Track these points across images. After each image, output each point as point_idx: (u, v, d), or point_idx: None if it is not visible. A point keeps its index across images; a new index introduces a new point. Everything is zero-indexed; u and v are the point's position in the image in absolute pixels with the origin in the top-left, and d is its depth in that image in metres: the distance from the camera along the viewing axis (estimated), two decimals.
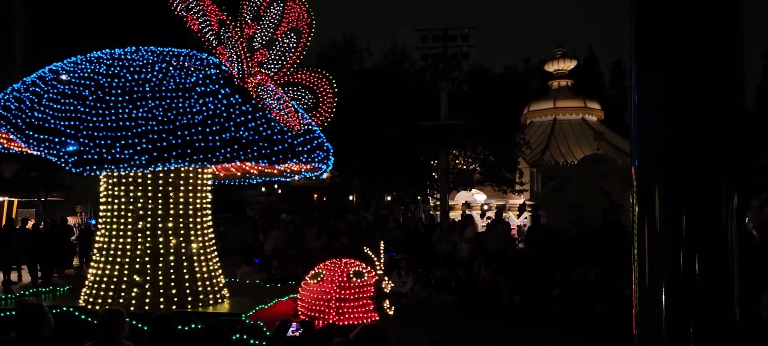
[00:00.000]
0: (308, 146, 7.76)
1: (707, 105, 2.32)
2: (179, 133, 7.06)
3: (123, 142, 7.01)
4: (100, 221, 8.59)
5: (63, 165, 7.18)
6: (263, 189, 36.08)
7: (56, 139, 7.14)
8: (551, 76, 34.36)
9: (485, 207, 29.70)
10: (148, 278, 8.05)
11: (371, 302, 8.10)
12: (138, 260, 8.09)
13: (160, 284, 8.06)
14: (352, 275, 8.16)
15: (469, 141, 26.20)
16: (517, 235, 21.45)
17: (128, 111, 7.22)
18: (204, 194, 8.60)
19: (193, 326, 6.87)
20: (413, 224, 18.74)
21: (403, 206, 31.28)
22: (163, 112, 7.21)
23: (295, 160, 7.57)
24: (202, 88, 7.57)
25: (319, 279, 8.29)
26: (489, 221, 18.64)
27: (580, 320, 11.26)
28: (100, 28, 22.64)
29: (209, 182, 8.74)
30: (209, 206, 8.73)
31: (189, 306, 8.10)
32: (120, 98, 7.35)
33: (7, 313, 7.50)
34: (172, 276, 8.12)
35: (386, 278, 8.34)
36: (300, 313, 8.33)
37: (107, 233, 8.35)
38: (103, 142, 7.04)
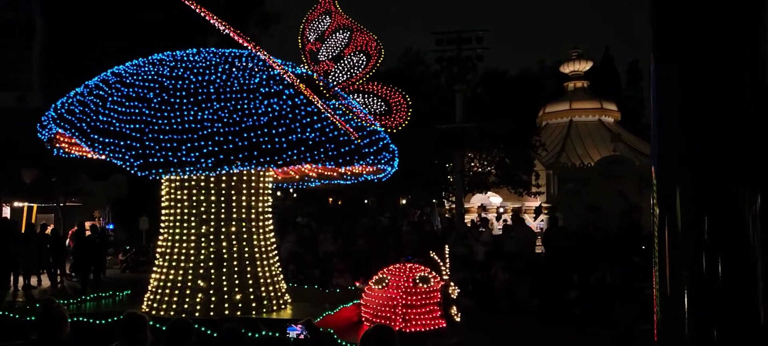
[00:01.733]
0: (374, 148, 7.61)
1: (729, 104, 2.27)
2: (245, 135, 6.92)
3: (188, 144, 6.88)
4: (162, 225, 8.46)
5: (128, 169, 7.07)
6: (279, 193, 36.13)
7: (121, 143, 7.02)
8: (567, 77, 34.18)
9: (501, 210, 29.60)
10: (212, 283, 7.90)
11: (438, 308, 7.87)
12: (202, 265, 7.94)
13: (225, 289, 7.92)
14: (418, 281, 7.93)
15: (484, 144, 26.09)
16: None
17: (193, 113, 7.10)
18: (265, 198, 8.45)
19: (260, 333, 6.76)
20: (429, 227, 18.68)
21: (419, 210, 31.22)
22: (229, 114, 7.09)
23: (361, 162, 7.43)
24: (266, 89, 7.44)
25: (383, 285, 8.04)
26: (505, 223, 18.58)
27: (598, 323, 11.14)
28: (115, 36, 22.85)
29: (270, 185, 8.61)
30: (270, 209, 8.60)
31: (253, 312, 7.95)
32: (185, 100, 7.24)
33: (80, 318, 7.52)
34: (236, 281, 7.97)
35: (452, 284, 8.07)
36: (364, 319, 8.15)
37: (170, 238, 8.22)
38: (168, 145, 6.91)
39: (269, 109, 7.19)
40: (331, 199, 35.38)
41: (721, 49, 2.29)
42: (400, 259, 15.11)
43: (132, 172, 7.02)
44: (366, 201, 32.85)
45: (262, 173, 8.28)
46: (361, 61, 8.38)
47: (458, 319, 7.93)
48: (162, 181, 8.39)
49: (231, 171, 7.42)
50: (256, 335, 6.60)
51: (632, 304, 11.28)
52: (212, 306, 7.80)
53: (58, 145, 8.60)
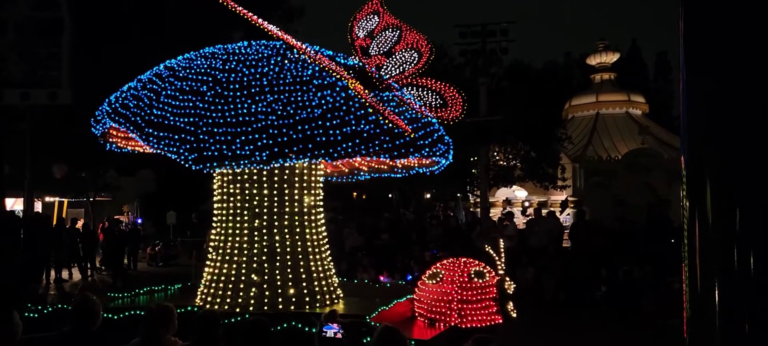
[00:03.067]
0: (429, 140, 7.49)
1: (762, 94, 2.21)
2: (299, 127, 6.86)
3: (243, 137, 6.83)
4: (214, 219, 8.44)
5: (182, 162, 7.03)
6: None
7: (175, 136, 6.99)
8: (594, 69, 33.75)
9: (526, 204, 29.37)
10: (265, 277, 7.86)
11: (494, 303, 7.70)
12: (255, 258, 7.91)
13: (278, 283, 7.87)
14: (473, 275, 7.77)
15: (509, 137, 25.90)
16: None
17: (247, 106, 7.05)
18: (317, 191, 8.40)
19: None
20: (453, 222, 18.62)
21: (443, 204, 31.13)
22: (282, 106, 7.03)
23: (417, 155, 7.33)
24: (319, 81, 7.36)
25: (438, 279, 7.87)
26: (528, 218, 18.42)
27: (626, 318, 11.02)
28: (141, 34, 23.12)
29: (321, 179, 8.55)
30: (322, 203, 8.56)
31: (307, 307, 7.87)
32: (238, 93, 7.20)
33: (130, 312, 7.54)
34: (290, 275, 7.93)
35: (507, 279, 7.90)
36: (417, 314, 8.01)
37: (223, 232, 8.18)
38: (222, 138, 6.87)
39: (323, 102, 7.10)
40: (355, 193, 35.46)
41: (754, 38, 2.23)
42: (424, 253, 15.16)
43: (186, 165, 6.99)
44: (390, 195, 32.85)
45: (314, 167, 8.22)
46: (412, 58, 8.28)
47: (514, 315, 7.74)
48: (214, 175, 8.36)
49: (285, 164, 7.36)
50: (313, 330, 6.50)
51: (661, 299, 11.14)
52: (266, 300, 7.76)
53: (111, 139, 8.59)
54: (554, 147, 27.27)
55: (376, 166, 9.16)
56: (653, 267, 12.49)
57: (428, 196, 32.84)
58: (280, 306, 7.69)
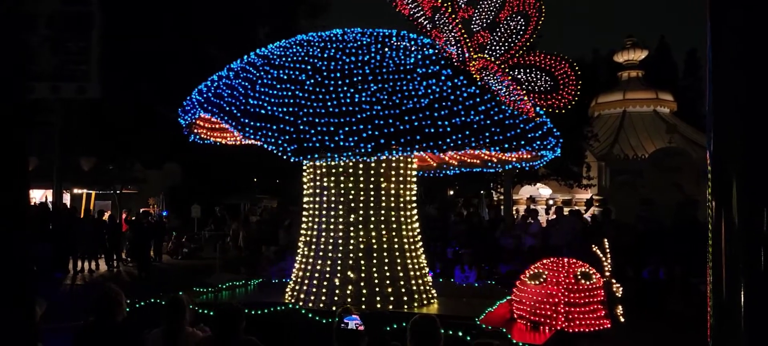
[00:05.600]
0: (539, 132, 7.10)
1: None
2: (406, 118, 6.51)
3: (346, 128, 6.50)
4: (305, 214, 8.09)
5: (281, 153, 6.76)
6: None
7: (274, 127, 6.69)
8: (621, 66, 33.32)
9: (550, 202, 29.14)
10: (362, 274, 7.51)
11: (602, 307, 7.28)
12: (351, 255, 7.55)
13: (376, 281, 7.51)
14: (579, 277, 7.34)
15: None
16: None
17: (350, 95, 6.72)
18: (411, 186, 8.02)
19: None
20: (476, 219, 18.53)
21: (462, 199, 30.98)
22: (387, 96, 6.68)
23: (528, 148, 6.94)
24: (423, 70, 7.01)
25: (541, 280, 7.42)
26: (548, 217, 18.27)
27: (651, 318, 10.86)
28: (168, 27, 23.38)
29: (415, 172, 8.18)
30: (415, 197, 8.19)
31: (405, 306, 7.51)
32: (340, 82, 6.87)
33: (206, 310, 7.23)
34: (387, 273, 7.56)
35: (614, 281, 7.49)
36: (517, 316, 7.57)
37: (315, 227, 7.84)
38: (325, 128, 6.56)
39: (429, 91, 6.76)
40: None
41: None
42: (446, 250, 15.09)
43: (284, 157, 6.75)
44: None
45: (409, 159, 7.86)
46: (519, 26, 7.70)
47: (623, 319, 7.34)
48: (305, 168, 8.06)
49: (390, 156, 7.09)
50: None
51: (687, 300, 10.96)
52: (364, 299, 7.41)
53: (196, 130, 8.34)
54: (580, 145, 26.98)
55: (469, 160, 8.77)
56: (680, 268, 12.31)
57: (451, 193, 32.72)
58: (378, 305, 7.35)
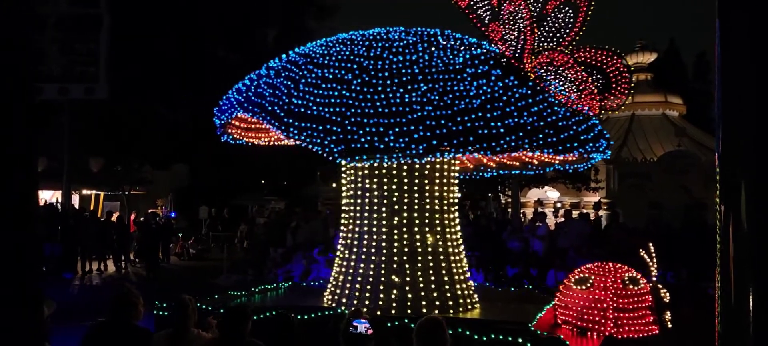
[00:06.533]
0: (591, 134, 6.94)
1: None
2: (458, 119, 6.34)
3: (397, 129, 6.33)
4: (345, 216, 7.91)
5: (327, 154, 6.61)
6: (334, 185, 36.51)
7: (320, 127, 6.52)
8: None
9: (558, 205, 29.02)
10: (407, 278, 7.33)
11: (650, 313, 7.10)
12: (395, 258, 7.36)
13: (420, 285, 7.32)
14: (627, 281, 7.17)
15: None
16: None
17: (400, 95, 6.55)
18: (453, 187, 7.86)
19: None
20: (484, 222, 18.48)
21: (469, 201, 30.89)
22: (439, 96, 6.52)
23: (581, 150, 6.79)
24: (473, 70, 6.84)
25: (587, 285, 7.22)
26: (556, 220, 18.23)
27: (658, 322, 10.77)
28: (176, 29, 23.46)
29: (457, 175, 8.00)
30: (457, 199, 8.05)
31: (450, 311, 7.32)
32: (388, 82, 6.70)
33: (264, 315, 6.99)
34: (432, 277, 7.39)
35: (661, 286, 7.35)
36: (561, 322, 7.38)
37: (357, 230, 7.66)
38: (374, 129, 6.38)
39: (480, 91, 6.60)
40: None
41: None
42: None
43: (330, 158, 6.62)
44: None
45: (452, 161, 7.69)
46: (568, 17, 7.47)
47: (671, 325, 7.17)
48: (345, 169, 7.88)
49: (442, 158, 6.94)
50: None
51: (695, 304, 10.88)
52: (409, 303, 7.23)
53: (229, 130, 8.17)
54: None
55: (508, 161, 8.61)
56: (688, 271, 12.24)
57: (459, 195, 32.65)
58: (424, 309, 7.16)
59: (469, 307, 7.68)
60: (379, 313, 7.10)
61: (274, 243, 17.42)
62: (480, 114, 6.42)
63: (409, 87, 6.63)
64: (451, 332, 6.27)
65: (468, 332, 6.45)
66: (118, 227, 19.04)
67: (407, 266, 7.35)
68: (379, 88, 6.67)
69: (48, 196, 22.18)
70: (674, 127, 29.58)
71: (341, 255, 7.91)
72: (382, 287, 7.37)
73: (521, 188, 26.95)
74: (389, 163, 7.02)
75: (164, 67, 23.07)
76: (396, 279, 7.33)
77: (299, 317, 6.63)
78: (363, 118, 6.49)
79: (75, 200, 22.16)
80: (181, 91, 23.63)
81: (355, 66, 6.92)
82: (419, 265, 7.38)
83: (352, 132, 6.43)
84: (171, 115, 23.94)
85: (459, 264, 7.77)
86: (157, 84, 22.86)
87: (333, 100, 6.66)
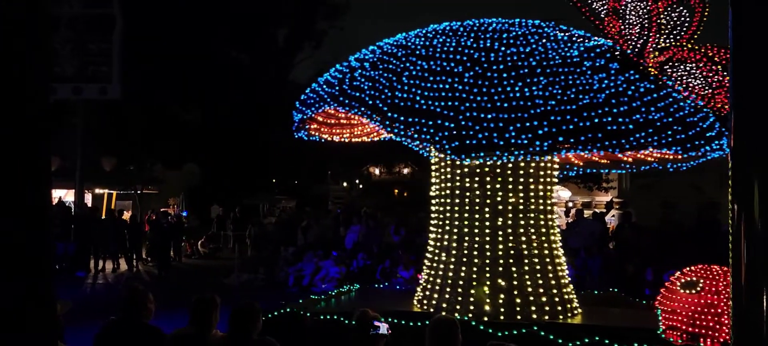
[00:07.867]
0: (715, 131, 6.61)
1: None
2: (585, 114, 5.99)
3: (518, 125, 5.96)
4: (438, 216, 7.49)
5: (438, 150, 6.31)
6: (345, 184, 36.60)
7: (430, 122, 6.13)
8: None
9: (569, 204, 28.94)
10: (514, 282, 6.94)
11: None
12: (501, 261, 6.96)
13: (528, 289, 6.94)
14: None
15: None
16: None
17: (519, 89, 6.17)
18: (552, 187, 7.46)
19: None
20: None
21: None
22: (562, 90, 6.15)
23: (706, 148, 6.45)
24: (590, 63, 6.49)
25: (697, 289, 6.80)
26: (568, 219, 18.13)
27: None
28: (189, 26, 23.54)
29: (557, 174, 7.59)
30: (555, 201, 7.68)
31: (560, 317, 6.96)
32: (504, 75, 6.30)
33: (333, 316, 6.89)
34: (540, 281, 7.00)
35: None
36: (665, 328, 6.91)
37: (456, 232, 7.22)
38: (492, 124, 6.00)
39: (603, 86, 6.26)
40: (396, 190, 35.47)
41: None
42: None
43: (443, 155, 6.30)
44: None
45: (554, 160, 7.34)
46: (683, 19, 7.17)
47: None
48: (438, 166, 7.45)
49: (567, 154, 6.61)
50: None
51: None
52: (518, 309, 6.85)
53: (306, 126, 7.83)
54: None
55: (597, 159, 8.22)
56: None
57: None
58: (534, 315, 6.80)
59: (575, 312, 7.30)
60: (486, 318, 6.73)
61: (285, 242, 17.47)
62: (606, 109, 6.08)
63: (529, 80, 6.24)
64: (587, 340, 6.05)
65: (599, 338, 6.13)
66: (130, 226, 19.15)
67: (513, 269, 6.95)
68: (495, 81, 6.27)
69: (61, 194, 22.34)
70: None
71: (434, 258, 7.44)
72: (487, 292, 6.98)
73: None
74: (507, 159, 6.65)
75: (176, 67, 23.18)
76: (502, 283, 6.92)
77: (393, 321, 6.29)
78: (479, 112, 6.09)
79: (88, 198, 22.30)
80: (192, 91, 23.73)
81: (464, 58, 6.51)
82: (526, 268, 6.98)
83: (468, 127, 6.03)
84: (183, 115, 24.08)
85: (560, 267, 7.37)
86: (168, 84, 22.98)
87: (443, 94, 6.25)
